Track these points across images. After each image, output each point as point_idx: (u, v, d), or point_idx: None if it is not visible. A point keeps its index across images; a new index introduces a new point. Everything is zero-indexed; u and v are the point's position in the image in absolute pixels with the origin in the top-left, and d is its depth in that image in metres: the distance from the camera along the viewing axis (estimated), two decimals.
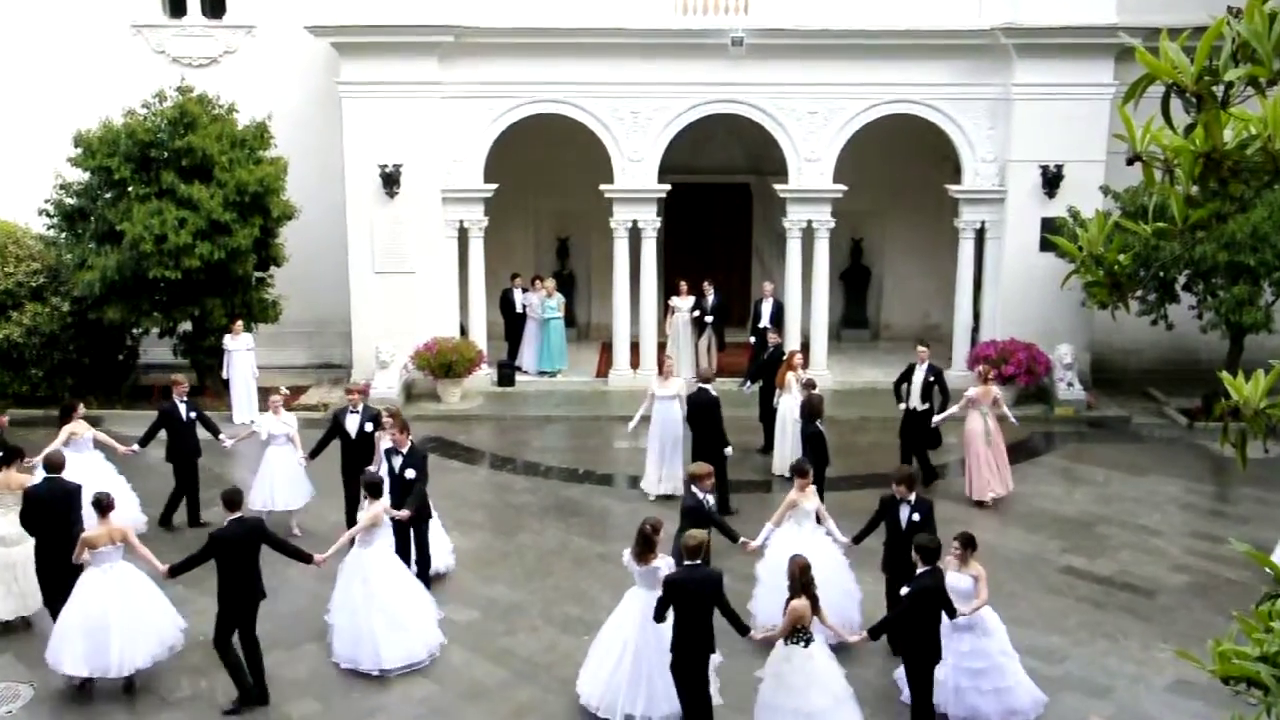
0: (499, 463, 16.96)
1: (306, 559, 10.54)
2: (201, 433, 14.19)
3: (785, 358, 15.97)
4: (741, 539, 11.04)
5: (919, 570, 9.24)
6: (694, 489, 11.03)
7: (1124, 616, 11.89)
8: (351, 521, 12.41)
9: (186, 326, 19.06)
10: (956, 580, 9.54)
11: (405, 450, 11.95)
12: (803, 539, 10.74)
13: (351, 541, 10.85)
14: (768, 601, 10.76)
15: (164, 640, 10.42)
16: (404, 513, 11.46)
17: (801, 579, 8.97)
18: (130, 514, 13.21)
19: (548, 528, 14.32)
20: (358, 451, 13.05)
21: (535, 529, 14.28)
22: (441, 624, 11.30)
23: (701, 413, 14.02)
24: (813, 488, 11.20)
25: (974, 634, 9.59)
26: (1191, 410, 18.52)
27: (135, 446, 13.84)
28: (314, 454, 13.40)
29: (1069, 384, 18.75)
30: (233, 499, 10.20)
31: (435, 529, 12.48)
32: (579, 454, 17.24)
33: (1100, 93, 18.65)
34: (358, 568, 10.73)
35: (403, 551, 11.60)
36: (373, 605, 10.61)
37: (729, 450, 14.11)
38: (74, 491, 10.94)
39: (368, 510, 10.80)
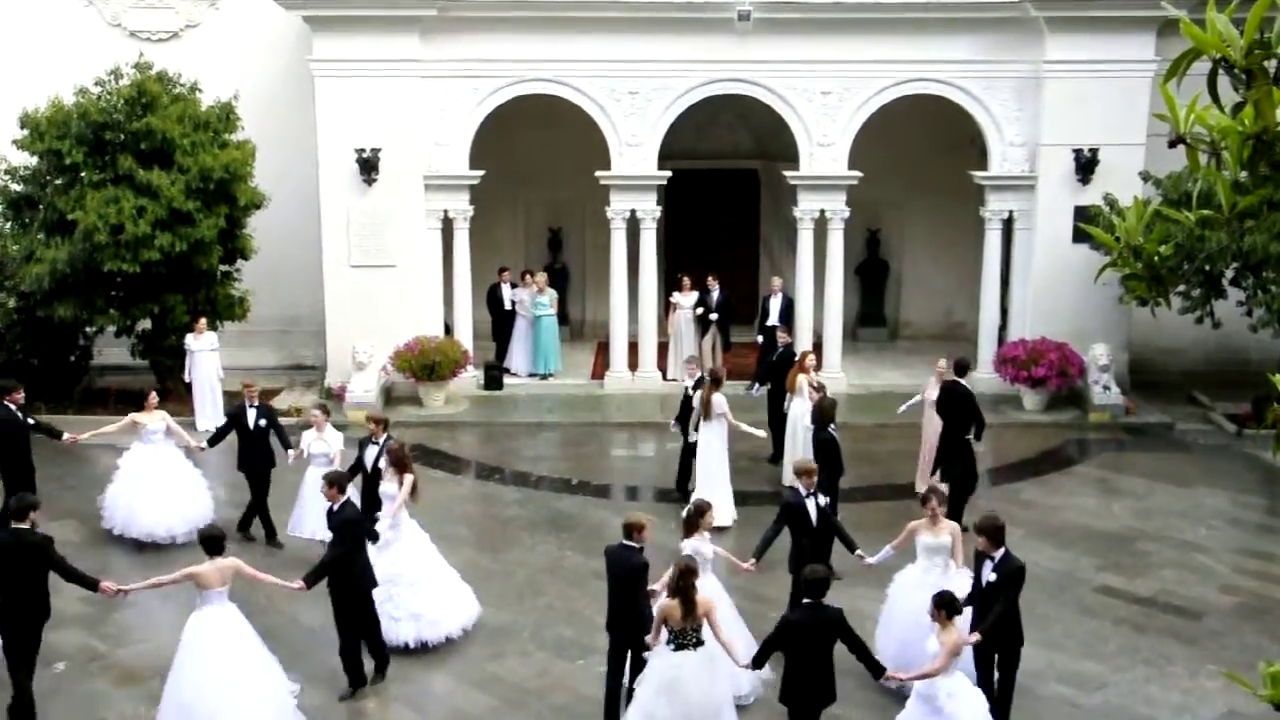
0: (486, 473, 16.94)
1: (92, 586, 10.09)
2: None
3: (796, 359, 15.95)
4: (858, 551, 10.97)
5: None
6: (797, 486, 11.11)
7: (1167, 641, 11.86)
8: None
9: (145, 325, 19.04)
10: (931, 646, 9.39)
11: (380, 441, 12.73)
12: (931, 578, 10.44)
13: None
14: (886, 642, 10.61)
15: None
16: (297, 584, 10.42)
17: (680, 582, 9.14)
18: (198, 512, 13.68)
19: (539, 543, 14.29)
20: (376, 487, 12.43)
21: (525, 544, 14.25)
22: (418, 649, 11.31)
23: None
24: (947, 522, 10.76)
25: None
26: (1240, 416, 18.51)
27: (204, 444, 14.22)
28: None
29: (1105, 387, 18.74)
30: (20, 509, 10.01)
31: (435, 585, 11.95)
32: (573, 463, 17.22)
33: (1140, 69, 18.65)
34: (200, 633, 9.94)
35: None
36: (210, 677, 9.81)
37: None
38: (42, 545, 9.97)
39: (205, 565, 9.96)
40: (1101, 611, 12.50)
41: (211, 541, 10.04)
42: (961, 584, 10.16)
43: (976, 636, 9.45)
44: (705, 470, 14.56)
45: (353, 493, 11.84)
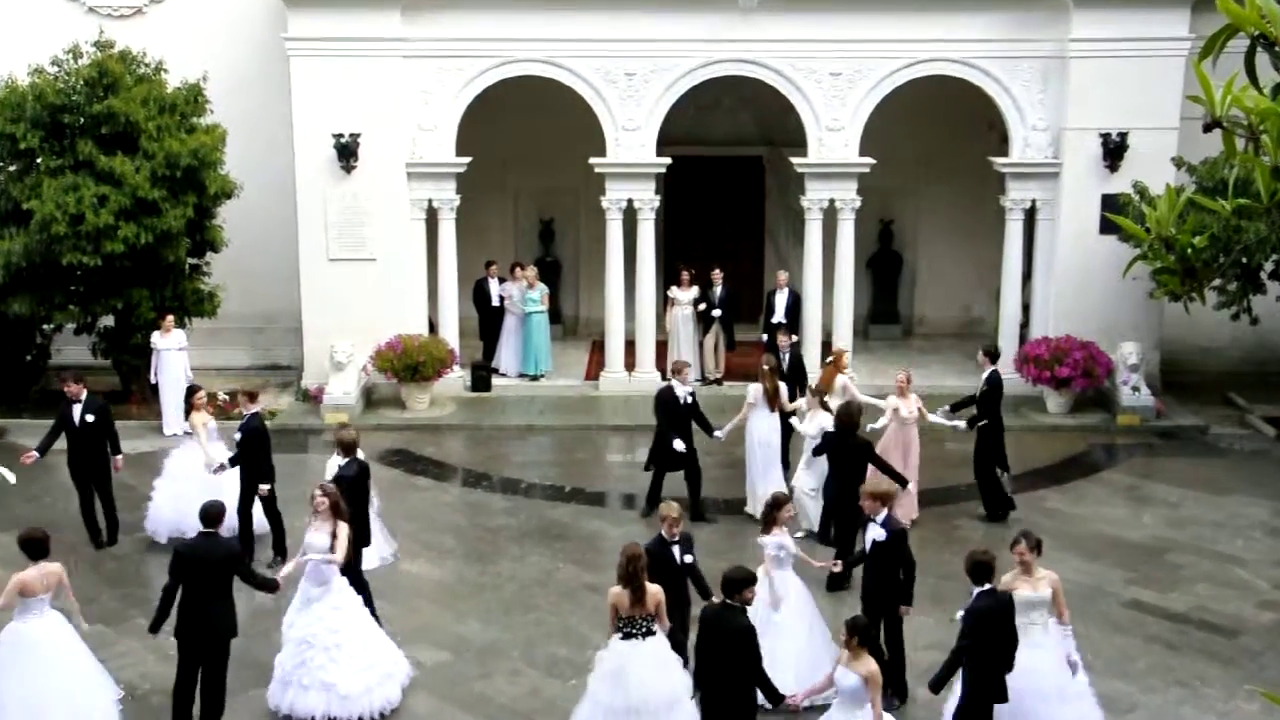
0: (473, 479, 16.93)
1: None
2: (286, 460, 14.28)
3: (832, 359, 16.02)
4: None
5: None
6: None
7: (1202, 659, 11.87)
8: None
9: (108, 321, 19.03)
10: (842, 677, 9.16)
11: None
12: (1031, 638, 9.84)
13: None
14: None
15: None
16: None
17: (629, 568, 9.45)
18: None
19: (529, 554, 14.28)
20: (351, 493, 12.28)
21: (515, 556, 14.25)
22: (410, 664, 11.31)
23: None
24: (1045, 571, 10.17)
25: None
26: None
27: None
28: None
29: (1134, 388, 18.76)
30: None
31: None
32: (565, 469, 17.22)
33: (1173, 48, 18.66)
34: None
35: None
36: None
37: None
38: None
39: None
40: (1131, 628, 12.50)
41: (33, 545, 9.96)
42: (1064, 645, 9.86)
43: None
44: (765, 461, 14.85)
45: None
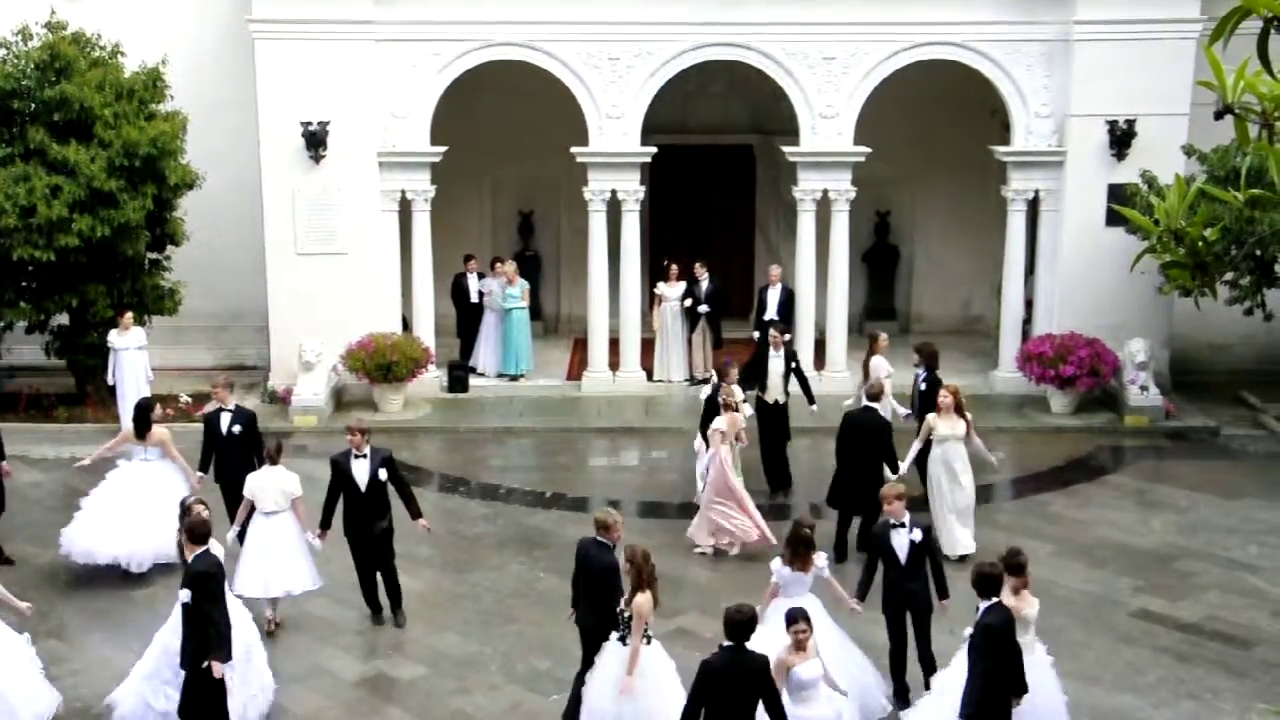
0: (450, 485, 16.93)
1: None
2: None
3: (873, 342, 16.41)
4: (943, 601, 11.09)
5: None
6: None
7: (1214, 671, 11.90)
8: (374, 594, 12.66)
9: (62, 320, 18.95)
10: (805, 670, 9.34)
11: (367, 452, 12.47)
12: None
13: None
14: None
15: None
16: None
17: (651, 571, 9.83)
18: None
19: (509, 563, 14.28)
20: (368, 508, 12.39)
21: (494, 565, 14.24)
22: (373, 681, 11.27)
23: (863, 436, 14.03)
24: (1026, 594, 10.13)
25: None
26: None
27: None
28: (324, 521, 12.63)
29: (1142, 388, 18.81)
30: None
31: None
32: (547, 474, 17.22)
33: (1183, 31, 18.72)
34: None
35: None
36: None
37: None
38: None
39: None
40: (1140, 639, 12.53)
41: None
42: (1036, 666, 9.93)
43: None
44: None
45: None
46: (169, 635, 10.38)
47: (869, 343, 16.68)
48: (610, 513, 10.92)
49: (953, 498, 13.99)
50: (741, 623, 8.85)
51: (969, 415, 14.19)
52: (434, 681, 11.67)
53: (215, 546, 10.22)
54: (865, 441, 13.94)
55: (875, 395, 14.44)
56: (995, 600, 9.47)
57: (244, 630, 10.59)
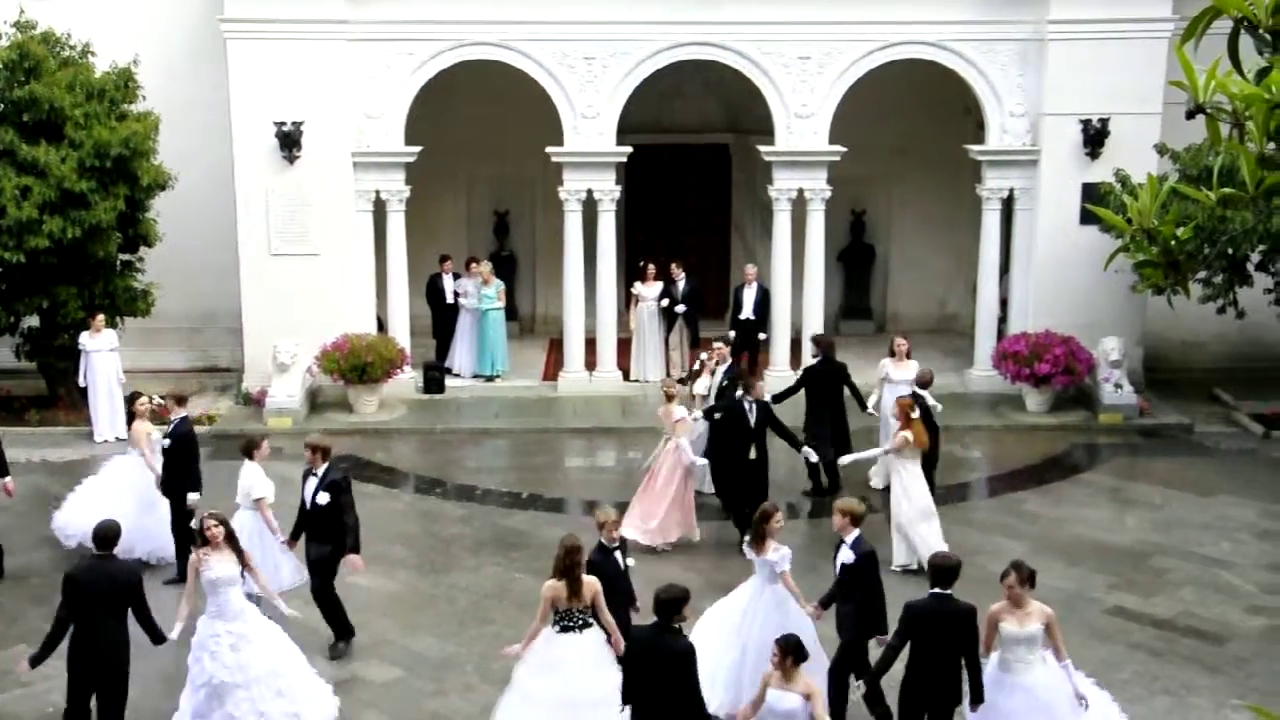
0: (426, 486, 16.90)
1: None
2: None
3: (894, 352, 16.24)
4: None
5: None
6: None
7: (1188, 668, 11.98)
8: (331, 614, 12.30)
9: (32, 322, 18.84)
10: (779, 700, 9.11)
11: (320, 472, 11.98)
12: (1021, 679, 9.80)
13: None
14: None
15: None
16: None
17: (566, 560, 9.86)
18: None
19: (485, 564, 14.26)
20: (310, 529, 12.14)
21: (470, 566, 14.23)
22: (348, 683, 11.22)
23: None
24: (1036, 604, 9.89)
25: None
26: (1268, 416, 18.75)
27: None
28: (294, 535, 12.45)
29: (1116, 385, 18.91)
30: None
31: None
32: (523, 474, 17.20)
33: (1155, 30, 18.82)
34: None
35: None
36: None
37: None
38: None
39: None
40: (1115, 635, 12.60)
41: None
42: (1066, 682, 9.73)
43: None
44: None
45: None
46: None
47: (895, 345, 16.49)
48: (605, 510, 11.08)
49: (895, 509, 13.90)
50: (669, 600, 9.08)
51: (909, 434, 13.68)
52: (410, 683, 11.65)
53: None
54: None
55: (925, 383, 15.01)
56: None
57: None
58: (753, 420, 14.38)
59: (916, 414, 13.76)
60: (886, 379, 15.96)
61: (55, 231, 17.23)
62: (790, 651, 9.01)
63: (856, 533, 10.50)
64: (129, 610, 10.07)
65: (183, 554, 13.02)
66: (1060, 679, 9.77)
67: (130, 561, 11.06)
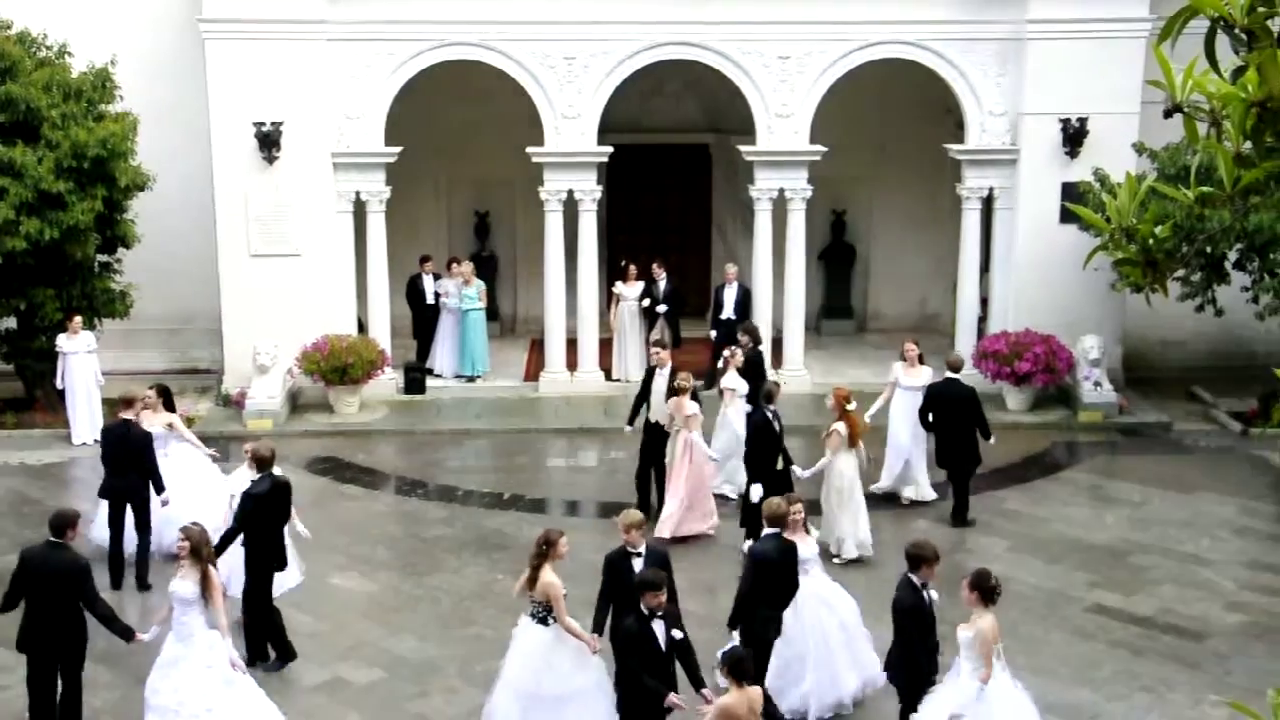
0: (407, 487, 16.87)
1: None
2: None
3: (905, 356, 16.07)
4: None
5: None
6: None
7: (1168, 664, 12.04)
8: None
9: (9, 324, 18.75)
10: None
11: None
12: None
13: None
14: None
15: None
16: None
17: (534, 550, 10.08)
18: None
19: (467, 566, 14.25)
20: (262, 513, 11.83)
21: (452, 568, 14.21)
22: (330, 685, 11.20)
23: (952, 407, 14.91)
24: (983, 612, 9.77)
25: None
26: (1246, 414, 18.84)
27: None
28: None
29: (1096, 384, 18.98)
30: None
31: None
32: (505, 475, 17.19)
33: (1133, 30, 18.91)
34: None
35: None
36: None
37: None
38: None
39: None
40: (1095, 633, 12.65)
41: None
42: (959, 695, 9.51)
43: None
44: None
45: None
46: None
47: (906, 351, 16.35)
48: (629, 514, 10.59)
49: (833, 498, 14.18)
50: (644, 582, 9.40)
51: (841, 427, 13.87)
52: (392, 685, 11.63)
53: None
54: (954, 410, 14.90)
55: (957, 366, 15.26)
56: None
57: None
58: (779, 428, 14.00)
59: (853, 406, 14.02)
60: (897, 384, 15.88)
61: (32, 233, 17.14)
62: (728, 664, 8.62)
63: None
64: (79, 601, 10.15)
65: (116, 562, 13.16)
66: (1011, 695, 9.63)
67: (79, 554, 10.69)
